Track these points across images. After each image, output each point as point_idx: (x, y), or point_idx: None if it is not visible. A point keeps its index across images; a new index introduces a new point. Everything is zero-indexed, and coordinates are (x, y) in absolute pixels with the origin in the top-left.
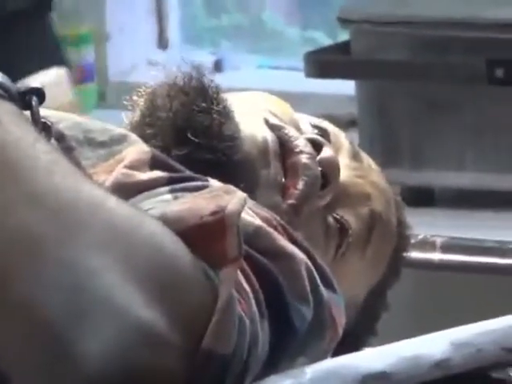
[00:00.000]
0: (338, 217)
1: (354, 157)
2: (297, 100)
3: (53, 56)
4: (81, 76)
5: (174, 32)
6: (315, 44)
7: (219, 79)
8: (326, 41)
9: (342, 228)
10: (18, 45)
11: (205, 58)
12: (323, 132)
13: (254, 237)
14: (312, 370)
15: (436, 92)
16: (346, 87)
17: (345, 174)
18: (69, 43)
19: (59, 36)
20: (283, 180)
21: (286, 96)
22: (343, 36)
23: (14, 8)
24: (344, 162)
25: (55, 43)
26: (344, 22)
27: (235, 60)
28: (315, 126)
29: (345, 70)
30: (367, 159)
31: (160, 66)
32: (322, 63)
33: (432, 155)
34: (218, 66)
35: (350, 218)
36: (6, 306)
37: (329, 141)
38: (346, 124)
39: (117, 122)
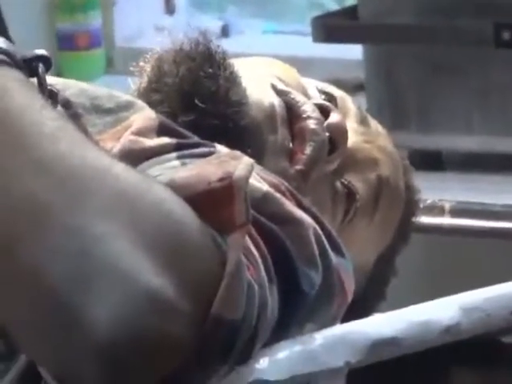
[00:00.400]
0: (345, 182)
1: (362, 121)
2: (303, 65)
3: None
4: (88, 42)
5: None
6: (322, 9)
7: (226, 44)
8: (332, 5)
9: (350, 193)
10: None
11: (211, 23)
12: (330, 97)
13: (261, 202)
14: (321, 335)
15: (443, 55)
16: (353, 51)
17: (352, 139)
18: (75, 9)
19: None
20: (291, 145)
21: (292, 61)
22: (350, 0)
23: None
24: (351, 126)
25: (2, 21)
26: None
27: (241, 25)
28: (322, 91)
29: (352, 34)
30: (375, 124)
31: (166, 32)
32: (329, 28)
33: (439, 118)
34: (224, 31)
35: (357, 183)
36: (12, 272)
37: (336, 106)
38: (353, 88)
39: (124, 88)
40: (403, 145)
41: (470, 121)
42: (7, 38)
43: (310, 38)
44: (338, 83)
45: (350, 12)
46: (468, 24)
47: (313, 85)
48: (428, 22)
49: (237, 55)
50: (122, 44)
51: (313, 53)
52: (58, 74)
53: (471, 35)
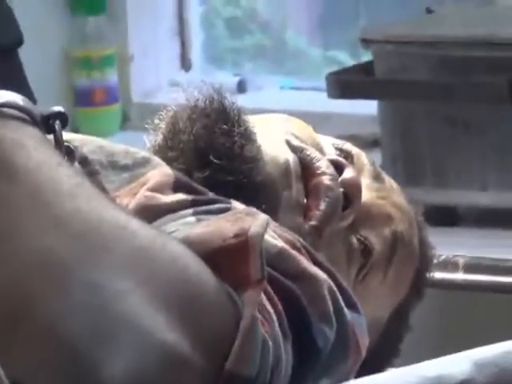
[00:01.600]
0: (361, 238)
1: (376, 177)
2: (320, 120)
3: (23, 93)
4: (104, 97)
5: (196, 53)
6: (338, 64)
7: (242, 100)
8: (348, 61)
9: (365, 249)
10: None
11: (228, 79)
12: (345, 153)
13: (277, 259)
14: None
15: (458, 111)
16: (369, 107)
17: (367, 195)
18: (92, 65)
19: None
20: (305, 201)
21: (309, 116)
22: (367, 56)
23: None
24: (366, 182)
25: (24, 79)
26: (366, 42)
27: (258, 81)
28: (338, 148)
29: (367, 90)
30: (389, 180)
31: (182, 88)
32: (344, 84)
33: (455, 174)
34: (240, 87)
35: (372, 238)
36: (30, 329)
37: (351, 162)
38: (369, 144)
39: (141, 144)
40: (418, 200)
41: (485, 177)
42: (30, 96)
43: (325, 94)
44: (354, 139)
45: (366, 68)
46: (483, 80)
47: (328, 141)
48: (443, 79)
49: (254, 111)
50: (138, 100)
51: (330, 108)
52: (75, 130)
53: (486, 91)
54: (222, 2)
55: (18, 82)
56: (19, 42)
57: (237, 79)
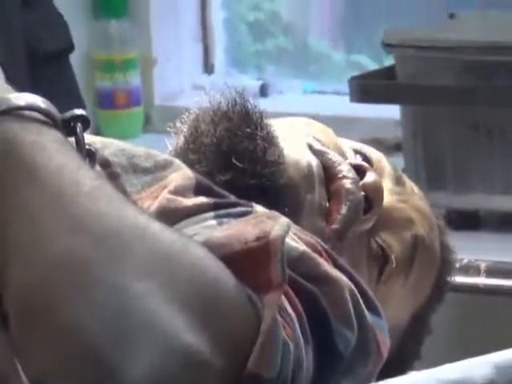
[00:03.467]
0: (380, 242)
1: (397, 181)
2: (342, 124)
3: (72, 97)
4: (127, 100)
5: (219, 57)
6: (360, 68)
7: (264, 104)
8: (371, 65)
9: (386, 253)
10: (47, 85)
11: (250, 82)
12: (366, 157)
13: (298, 262)
14: None
15: (480, 116)
16: (391, 111)
17: (388, 199)
18: (115, 68)
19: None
20: (327, 205)
21: (331, 120)
22: (389, 60)
23: (49, 48)
24: (387, 186)
25: (75, 84)
26: (388, 46)
27: (280, 85)
28: (358, 152)
29: (389, 94)
30: (410, 183)
31: (204, 91)
32: (366, 88)
33: (477, 179)
34: (263, 91)
35: (393, 242)
36: (51, 330)
37: (372, 166)
38: (391, 148)
39: (163, 146)
40: (440, 204)
41: (507, 181)
42: (80, 101)
43: (347, 98)
44: (376, 143)
45: (388, 72)
46: (506, 84)
47: (349, 145)
48: (465, 83)
49: (276, 115)
50: (160, 103)
51: (352, 112)
52: (97, 132)
53: (508, 95)
54: (245, 6)
55: (68, 87)
56: (70, 47)
57: (259, 83)
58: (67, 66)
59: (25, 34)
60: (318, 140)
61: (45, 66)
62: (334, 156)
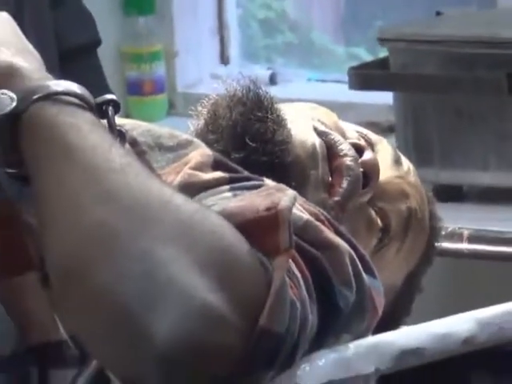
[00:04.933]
0: (377, 209)
1: (396, 161)
2: (342, 109)
3: (100, 87)
4: (153, 88)
5: (234, 50)
6: (358, 60)
7: (274, 91)
8: (367, 57)
9: (384, 223)
10: (76, 76)
11: (261, 72)
12: (367, 139)
13: (303, 229)
14: (355, 345)
15: (463, 102)
16: (385, 97)
17: (387, 175)
18: (142, 59)
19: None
20: (330, 179)
21: (332, 105)
22: (383, 52)
23: (77, 43)
24: (387, 164)
25: (102, 75)
26: (382, 40)
27: (288, 74)
28: (362, 135)
29: (383, 83)
30: (407, 163)
31: (221, 80)
32: (363, 77)
33: (459, 157)
34: (272, 80)
35: (390, 213)
36: (85, 293)
37: (372, 147)
38: (385, 130)
39: (184, 128)
40: (428, 179)
41: (486, 159)
42: (107, 91)
43: (346, 86)
44: (372, 125)
45: (382, 63)
46: (484, 75)
47: (354, 129)
48: (450, 73)
49: (284, 100)
50: (182, 90)
51: (350, 98)
52: (127, 116)
53: (488, 84)
54: (257, 5)
55: (97, 79)
56: (97, 42)
57: (269, 72)
58: (95, 59)
59: (55, 30)
60: (322, 122)
61: (74, 58)
62: (336, 136)
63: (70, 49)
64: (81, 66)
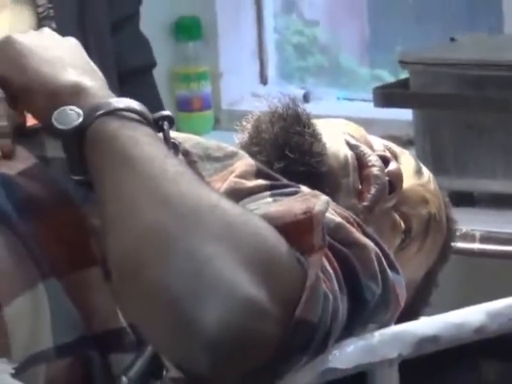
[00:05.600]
0: (400, 213)
1: (418, 171)
2: (367, 124)
3: (155, 104)
4: (200, 105)
5: (271, 71)
6: (381, 80)
7: (306, 108)
8: (389, 78)
9: (407, 225)
10: (134, 95)
11: (295, 91)
12: (392, 152)
13: (335, 230)
14: (379, 333)
15: (473, 118)
16: (404, 114)
17: (410, 183)
18: (191, 79)
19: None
20: (359, 187)
21: (358, 121)
22: (403, 74)
23: (134, 65)
24: (410, 174)
25: (157, 94)
26: (403, 63)
27: (318, 93)
28: (388, 148)
29: (404, 101)
30: (427, 173)
31: (262, 98)
32: (386, 96)
33: (471, 167)
34: (305, 98)
35: (412, 217)
36: (143, 288)
37: (396, 158)
38: (404, 143)
39: (228, 141)
40: (443, 187)
41: (494, 169)
42: (161, 108)
43: (371, 104)
44: (393, 139)
45: (403, 83)
46: (493, 94)
47: (382, 143)
48: (462, 92)
49: (315, 117)
50: (226, 107)
51: (374, 115)
52: (177, 130)
53: (496, 103)
54: (291, 31)
55: (152, 97)
56: (152, 64)
57: (302, 91)
58: (151, 79)
59: (115, 54)
60: (352, 136)
61: (133, 79)
62: (364, 149)
63: (129, 70)
64: (138, 85)
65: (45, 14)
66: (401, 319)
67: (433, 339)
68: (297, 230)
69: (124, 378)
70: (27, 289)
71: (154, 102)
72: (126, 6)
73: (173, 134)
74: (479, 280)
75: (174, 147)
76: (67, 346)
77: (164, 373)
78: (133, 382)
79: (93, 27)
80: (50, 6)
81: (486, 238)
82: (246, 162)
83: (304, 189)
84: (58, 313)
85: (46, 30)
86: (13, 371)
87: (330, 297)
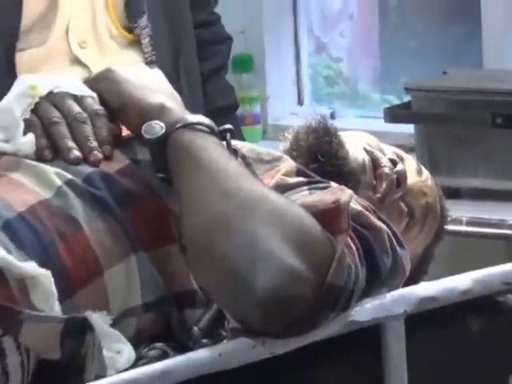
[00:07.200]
0: (405, 203)
1: (419, 171)
2: (379, 136)
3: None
4: (252, 121)
5: (306, 96)
6: (389, 102)
7: (333, 124)
8: (396, 101)
9: (411, 213)
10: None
11: (324, 111)
12: (399, 156)
13: (356, 216)
14: (390, 295)
15: (460, 132)
16: (408, 128)
17: (413, 180)
18: (245, 102)
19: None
20: (374, 183)
21: (372, 133)
22: (407, 98)
23: (222, 105)
24: (412, 173)
25: (240, 131)
26: (407, 90)
27: (342, 112)
28: (396, 153)
29: (408, 118)
30: (426, 172)
31: (299, 116)
32: (394, 114)
33: (458, 168)
34: (332, 116)
35: (414, 206)
36: (210, 259)
37: (402, 161)
38: (408, 150)
39: (274, 149)
40: (437, 183)
41: (476, 170)
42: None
43: (382, 120)
44: (399, 147)
45: (407, 105)
46: (476, 114)
47: (391, 149)
48: (452, 112)
49: (340, 130)
50: (272, 122)
51: (384, 129)
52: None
53: (478, 120)
54: (321, 66)
55: (236, 133)
56: (236, 106)
57: (330, 111)
58: (235, 118)
59: (205, 97)
60: (369, 144)
61: (219, 118)
62: (378, 154)
63: (217, 110)
64: (225, 122)
65: (149, 59)
66: (406, 284)
67: (431, 299)
68: (328, 216)
69: (195, 328)
70: (122, 259)
71: (237, 136)
72: (218, 59)
73: (233, 142)
74: (465, 255)
75: (234, 152)
76: (152, 304)
77: (226, 324)
78: (202, 332)
79: (185, 70)
80: (153, 52)
81: (471, 223)
82: (288, 164)
83: (333, 184)
84: (145, 278)
85: (139, 65)
86: (111, 321)
87: (353, 267)
